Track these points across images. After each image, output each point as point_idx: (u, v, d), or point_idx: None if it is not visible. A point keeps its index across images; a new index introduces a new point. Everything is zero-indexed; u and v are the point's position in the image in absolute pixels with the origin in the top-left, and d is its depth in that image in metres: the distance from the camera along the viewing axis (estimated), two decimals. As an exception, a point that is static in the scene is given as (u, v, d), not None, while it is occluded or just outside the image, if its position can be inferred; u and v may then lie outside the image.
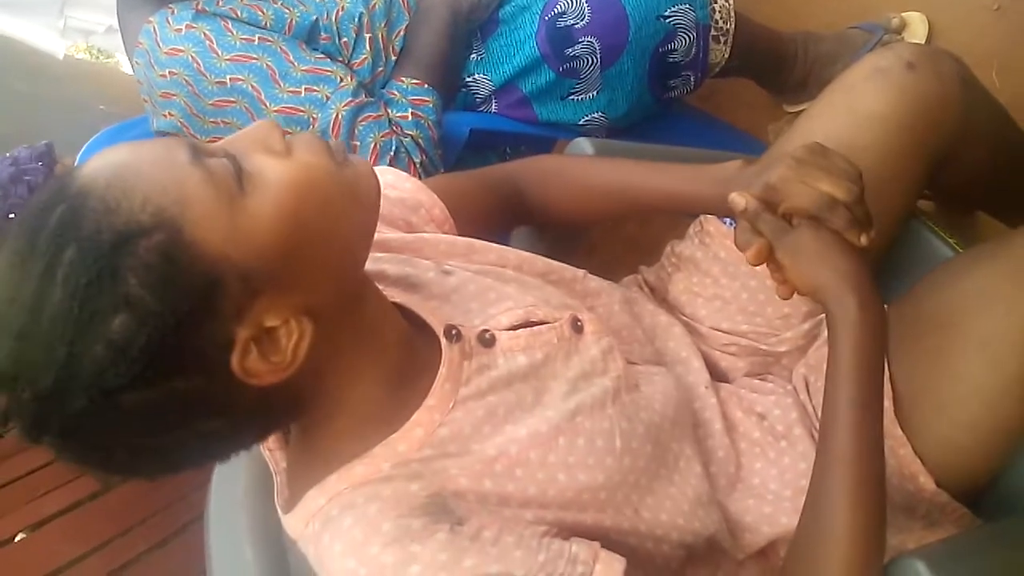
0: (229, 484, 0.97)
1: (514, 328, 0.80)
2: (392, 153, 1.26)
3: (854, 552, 0.70)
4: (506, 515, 0.71)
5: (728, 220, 1.03)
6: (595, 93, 1.41)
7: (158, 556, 1.80)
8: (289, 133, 0.69)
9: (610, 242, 1.87)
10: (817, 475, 0.75)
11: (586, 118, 1.44)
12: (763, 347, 1.01)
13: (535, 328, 0.81)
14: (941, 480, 0.85)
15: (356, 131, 1.25)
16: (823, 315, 0.99)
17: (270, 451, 0.78)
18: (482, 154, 1.50)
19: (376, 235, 0.84)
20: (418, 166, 1.28)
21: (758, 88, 1.73)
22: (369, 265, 0.79)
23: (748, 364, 1.02)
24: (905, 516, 0.87)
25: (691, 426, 0.90)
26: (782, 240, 0.79)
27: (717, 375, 1.02)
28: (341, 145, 0.71)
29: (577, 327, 0.83)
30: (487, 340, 0.78)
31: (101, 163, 0.62)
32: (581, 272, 0.94)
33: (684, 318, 1.05)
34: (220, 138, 1.23)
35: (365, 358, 0.72)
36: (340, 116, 1.24)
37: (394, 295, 0.80)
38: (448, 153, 1.36)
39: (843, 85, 0.98)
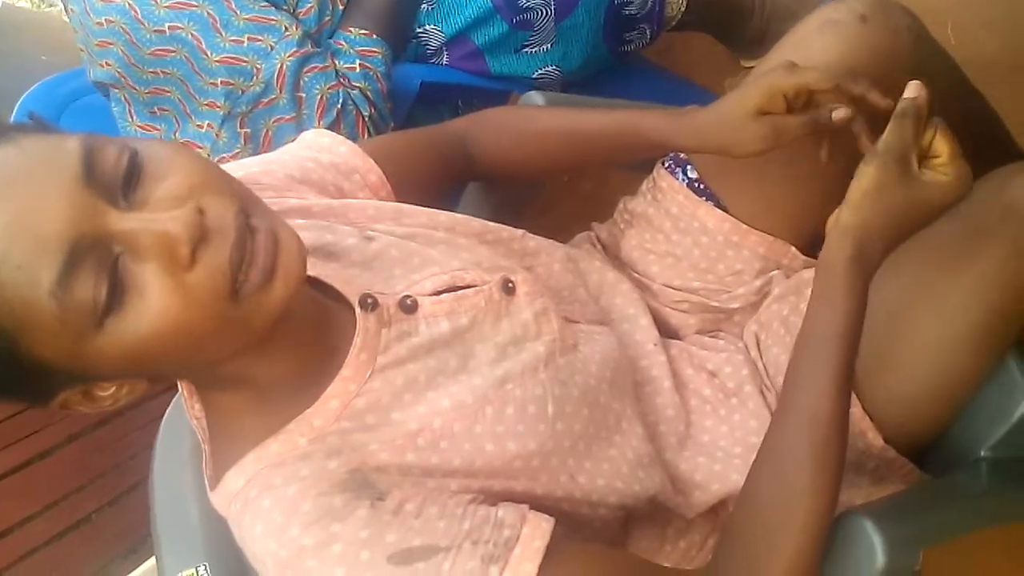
0: (174, 444, 0.96)
1: (439, 293, 0.78)
2: (339, 106, 1.22)
3: (816, 508, 0.69)
4: (430, 486, 0.69)
5: (681, 175, 1.02)
6: (549, 46, 1.38)
7: (109, 515, 1.79)
8: (206, 238, 0.60)
9: (564, 200, 1.86)
10: (782, 430, 0.73)
11: (540, 71, 1.41)
12: (714, 304, 1.00)
13: (460, 292, 0.79)
14: (889, 436, 0.85)
15: (301, 83, 1.21)
16: (775, 272, 0.99)
17: (196, 420, 0.76)
18: (433, 108, 1.47)
19: (299, 201, 0.82)
20: (366, 119, 1.25)
21: (715, 43, 1.72)
22: None
23: (699, 321, 1.01)
24: (853, 472, 0.87)
25: (633, 386, 0.89)
26: (896, 162, 0.72)
27: (668, 332, 1.01)
28: (262, 274, 0.62)
29: (508, 288, 0.81)
30: (408, 306, 0.76)
31: None
32: (519, 232, 0.92)
33: (636, 275, 1.04)
34: (161, 89, 1.23)
35: (270, 346, 0.68)
36: (285, 67, 1.20)
37: (313, 270, 0.77)
38: (398, 106, 1.33)
39: (795, 38, 0.97)
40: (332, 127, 1.22)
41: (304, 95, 1.21)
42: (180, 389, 0.76)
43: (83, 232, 0.57)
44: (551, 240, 0.96)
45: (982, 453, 0.86)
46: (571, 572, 0.67)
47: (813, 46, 0.93)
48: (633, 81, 1.58)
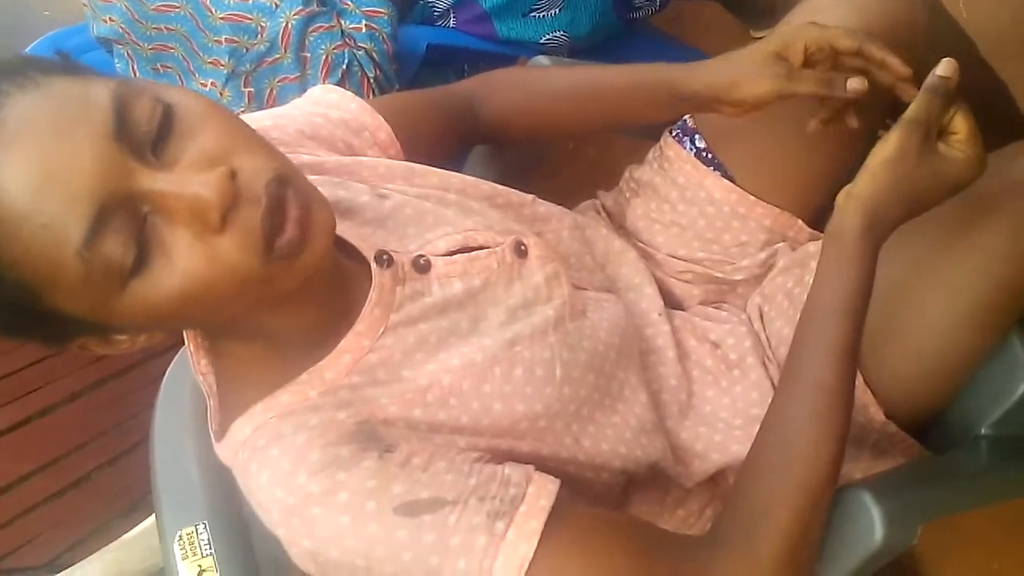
0: (175, 404, 0.96)
1: (451, 254, 0.77)
2: (344, 66, 1.21)
3: (816, 476, 0.69)
4: (437, 441, 0.69)
5: (688, 144, 1.01)
6: (557, 11, 1.37)
7: (109, 474, 1.79)
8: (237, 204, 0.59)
9: (568, 167, 1.85)
10: (787, 398, 0.73)
11: (547, 36, 1.40)
12: (718, 275, 1.00)
13: (473, 253, 0.78)
14: (891, 411, 0.85)
15: (306, 42, 1.19)
16: (780, 244, 0.99)
17: (202, 375, 0.75)
18: (439, 71, 1.45)
19: (312, 157, 0.80)
20: (371, 81, 1.24)
21: (725, 12, 1.70)
22: None
23: (703, 292, 1.01)
24: (854, 446, 0.87)
25: (638, 354, 0.89)
26: (919, 134, 0.71)
27: (672, 302, 1.01)
28: (296, 237, 0.61)
29: (521, 251, 0.81)
30: (422, 266, 0.76)
31: (5, 188, 0.54)
32: (529, 197, 0.91)
33: (641, 244, 1.03)
34: (164, 46, 1.22)
35: (282, 303, 0.67)
36: (290, 25, 1.18)
37: None
38: (404, 68, 1.31)
39: (809, 6, 0.95)
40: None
41: (309, 55, 1.20)
42: (186, 343, 0.75)
43: (112, 190, 0.55)
44: (560, 207, 0.95)
45: (983, 431, 0.86)
46: (575, 532, 0.67)
47: (827, 15, 0.91)
48: (641, 49, 1.56)
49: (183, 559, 0.94)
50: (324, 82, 1.20)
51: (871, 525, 0.70)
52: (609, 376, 0.82)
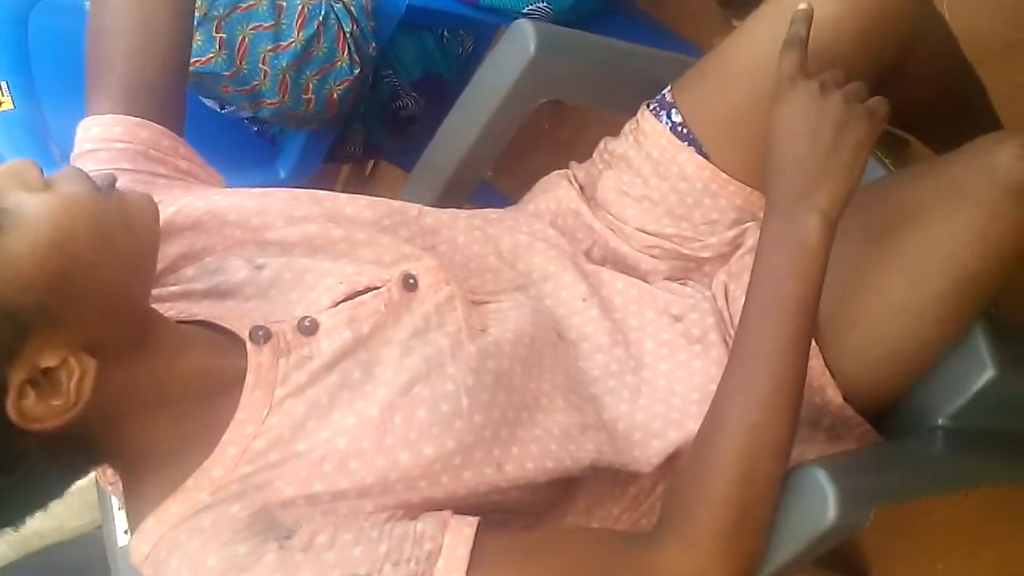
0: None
1: (337, 304, 0.75)
2: (320, 18, 1.19)
3: (753, 449, 0.70)
4: (342, 512, 0.67)
5: (665, 117, 0.99)
6: (542, -19, 1.35)
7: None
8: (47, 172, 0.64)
9: (541, 149, 1.84)
10: (730, 376, 0.74)
11: (530, 7, 1.38)
12: (686, 251, 0.99)
13: (358, 299, 0.76)
14: (849, 395, 0.85)
15: (284, -9, 1.17)
16: (749, 224, 0.98)
17: (111, 485, 0.73)
18: (417, 34, 1.43)
19: (180, 246, 0.79)
20: (347, 36, 1.21)
21: (708, -1, 1.69)
22: (176, 287, 0.77)
23: (669, 268, 1.00)
24: (809, 427, 0.87)
25: (555, 355, 0.86)
26: (792, 83, 0.77)
27: (637, 277, 0.99)
28: (108, 176, 0.66)
29: (410, 285, 0.79)
30: (307, 327, 0.73)
31: None
32: (415, 210, 0.88)
33: (610, 216, 1.02)
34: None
35: (162, 391, 0.67)
36: (266, -27, 1.16)
37: (203, 310, 0.74)
38: (382, 28, 1.29)
39: None
40: (311, 40, 1.19)
41: (284, 3, 1.18)
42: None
43: None
44: (451, 210, 0.93)
45: (939, 421, 0.86)
46: (502, 569, 0.65)
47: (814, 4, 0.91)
48: (622, 28, 1.55)
49: (120, 509, 0.93)
50: (299, 32, 1.18)
51: (824, 503, 0.69)
52: (521, 390, 0.79)
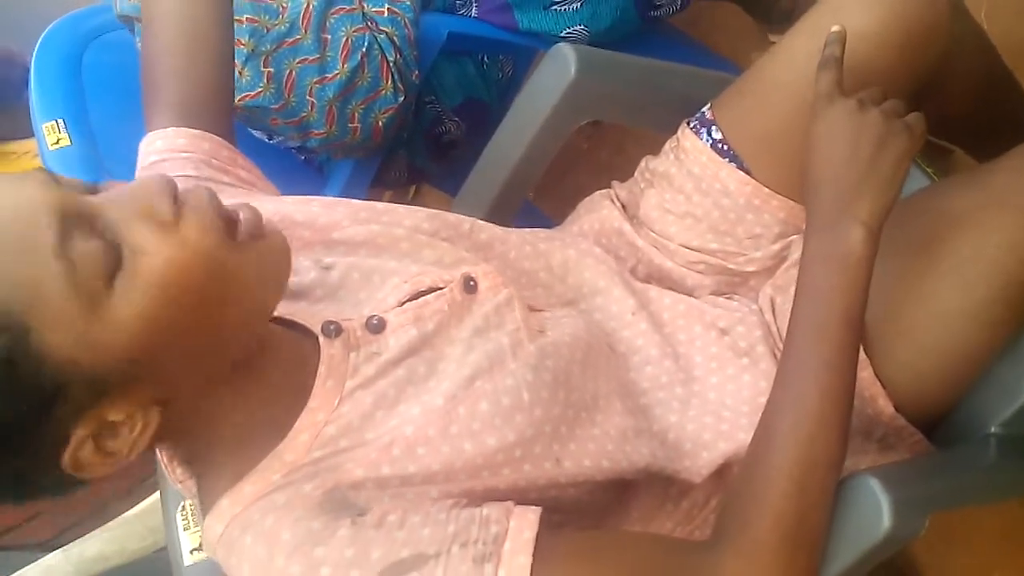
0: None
1: (403, 303, 0.78)
2: (364, 49, 1.22)
3: (808, 460, 0.70)
4: (409, 496, 0.69)
5: (705, 135, 1.01)
6: (579, 4, 1.37)
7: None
8: (180, 195, 0.62)
9: (581, 169, 1.85)
10: (782, 388, 0.75)
11: (568, 30, 1.40)
12: (731, 266, 1.00)
13: (422, 299, 0.79)
14: (900, 405, 0.85)
15: (327, 24, 1.20)
16: (794, 237, 0.99)
17: (181, 483, 0.75)
18: (457, 60, 1.46)
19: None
20: (391, 65, 1.24)
21: (744, 16, 1.70)
22: None
23: (715, 283, 1.01)
24: (861, 438, 0.87)
25: (608, 363, 0.88)
26: (830, 100, 0.79)
27: (682, 293, 1.00)
28: (253, 218, 0.64)
29: (470, 287, 0.81)
30: (375, 326, 0.76)
31: None
32: (467, 225, 0.91)
33: (653, 234, 1.03)
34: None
35: (237, 387, 0.69)
36: (311, 6, 1.19)
37: (278, 310, 0.76)
38: (424, 55, 1.32)
39: (830, 4, 0.95)
40: (356, 71, 1.22)
41: (329, 36, 1.20)
42: (160, 459, 0.75)
43: (67, 207, 0.58)
44: (502, 227, 0.94)
45: (992, 429, 0.86)
46: (565, 558, 0.66)
47: (848, 13, 0.92)
48: (660, 48, 1.56)
49: (185, 530, 0.95)
50: (344, 64, 1.21)
51: (879, 512, 0.69)
52: (580, 390, 0.81)
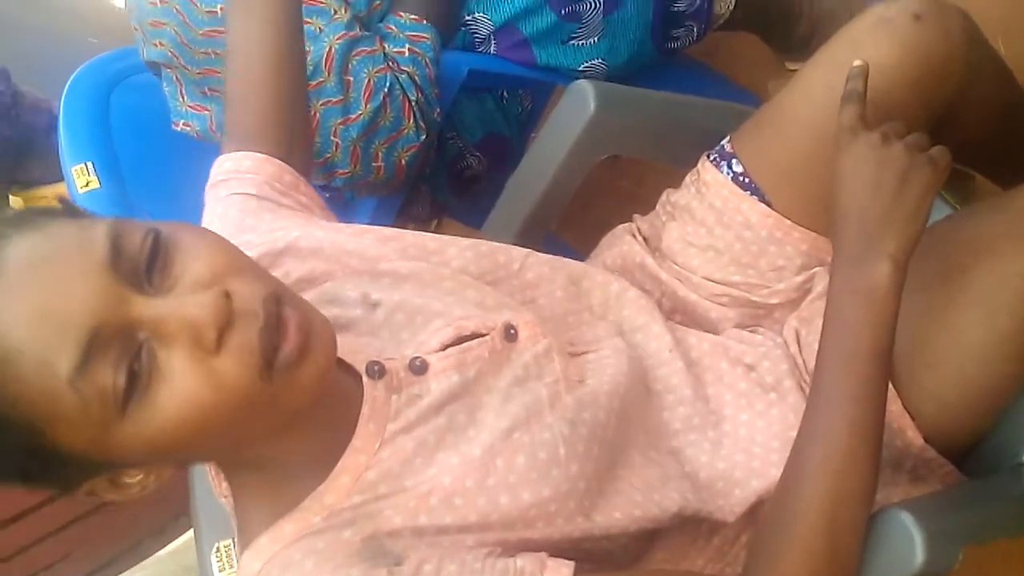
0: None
1: (445, 347, 0.78)
2: (386, 90, 1.23)
3: (838, 493, 0.71)
4: (445, 544, 0.69)
5: (726, 168, 1.01)
6: (596, 39, 1.38)
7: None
8: (232, 322, 0.60)
9: (602, 199, 1.86)
10: (810, 422, 0.75)
11: (586, 64, 1.41)
12: (755, 299, 1.00)
13: (465, 345, 0.79)
14: (929, 436, 0.84)
15: (349, 66, 1.22)
16: (817, 269, 0.99)
17: (224, 498, 0.76)
18: (477, 96, 1.48)
19: (301, 269, 0.83)
20: (413, 104, 1.26)
21: (761, 45, 1.71)
22: None
23: (739, 315, 1.01)
24: (891, 470, 0.87)
25: (643, 408, 0.88)
26: (854, 135, 0.80)
27: (707, 326, 1.01)
28: (299, 340, 0.62)
29: (511, 335, 0.81)
30: (418, 367, 0.76)
31: (3, 322, 0.56)
32: (516, 264, 0.91)
33: (676, 267, 1.03)
34: (211, 69, 1.25)
35: (277, 423, 0.67)
36: (333, 50, 1.21)
37: None
38: (445, 93, 1.33)
39: (847, 36, 0.96)
40: (378, 111, 1.23)
41: (352, 78, 1.22)
42: (208, 468, 0.77)
43: (104, 320, 0.57)
44: (551, 262, 0.94)
45: (1023, 458, 0.85)
46: None
47: (865, 45, 0.92)
48: (677, 79, 1.58)
49: (220, 571, 0.96)
50: (366, 105, 1.22)
51: (911, 546, 0.69)
52: (612, 443, 0.81)
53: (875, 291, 0.74)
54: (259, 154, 0.90)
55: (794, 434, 0.86)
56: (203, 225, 0.86)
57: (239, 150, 0.91)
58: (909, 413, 0.84)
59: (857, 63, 0.84)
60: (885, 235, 0.75)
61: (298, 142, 0.95)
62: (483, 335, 0.80)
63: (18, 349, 0.56)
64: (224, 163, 0.91)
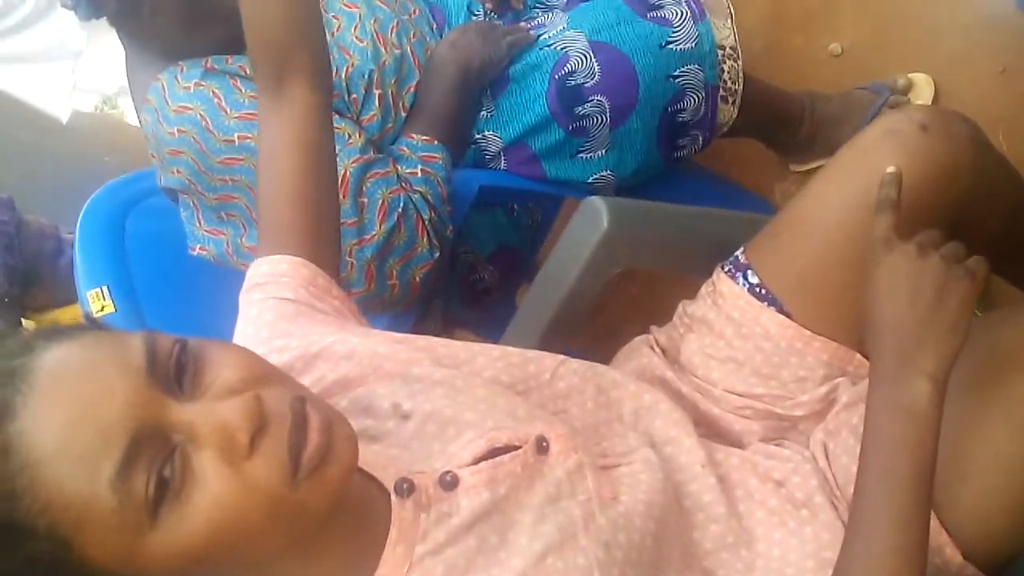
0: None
1: (477, 461, 0.76)
2: (400, 210, 1.25)
3: None
4: None
5: (741, 279, 1.02)
6: (604, 151, 1.41)
7: None
8: (260, 428, 0.61)
9: (612, 305, 1.86)
10: (852, 550, 0.74)
11: (595, 176, 1.44)
12: (778, 411, 0.99)
13: (498, 459, 0.77)
14: (968, 552, 0.82)
15: (364, 188, 1.24)
16: (840, 379, 0.98)
17: None
18: (489, 210, 1.50)
19: (334, 374, 0.82)
20: (426, 223, 1.27)
21: (764, 148, 1.74)
22: None
23: (763, 428, 1.00)
24: (931, 589, 0.84)
25: (677, 525, 0.86)
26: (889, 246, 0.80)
27: (731, 439, 0.99)
28: (321, 441, 0.62)
29: (542, 447, 0.79)
30: (448, 483, 0.74)
31: (40, 427, 0.56)
32: (549, 373, 0.90)
33: (697, 380, 1.03)
34: (228, 195, 1.27)
35: (302, 541, 0.67)
36: (348, 173, 1.23)
37: None
38: (457, 210, 1.35)
39: (856, 147, 0.98)
40: (392, 231, 1.25)
41: (366, 200, 1.24)
42: None
43: (144, 423, 0.58)
44: (583, 371, 0.93)
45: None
46: None
47: (874, 156, 0.94)
48: (685, 185, 1.60)
49: None
50: (381, 225, 1.24)
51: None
52: (648, 565, 0.79)
53: (914, 410, 0.73)
54: (295, 257, 0.90)
55: (828, 553, 0.84)
56: (237, 327, 0.88)
57: (274, 253, 0.91)
58: (946, 530, 0.82)
59: (891, 170, 0.84)
60: (923, 352, 0.74)
61: (330, 247, 0.95)
62: (516, 448, 0.78)
63: (55, 452, 0.56)
64: (261, 266, 0.91)
